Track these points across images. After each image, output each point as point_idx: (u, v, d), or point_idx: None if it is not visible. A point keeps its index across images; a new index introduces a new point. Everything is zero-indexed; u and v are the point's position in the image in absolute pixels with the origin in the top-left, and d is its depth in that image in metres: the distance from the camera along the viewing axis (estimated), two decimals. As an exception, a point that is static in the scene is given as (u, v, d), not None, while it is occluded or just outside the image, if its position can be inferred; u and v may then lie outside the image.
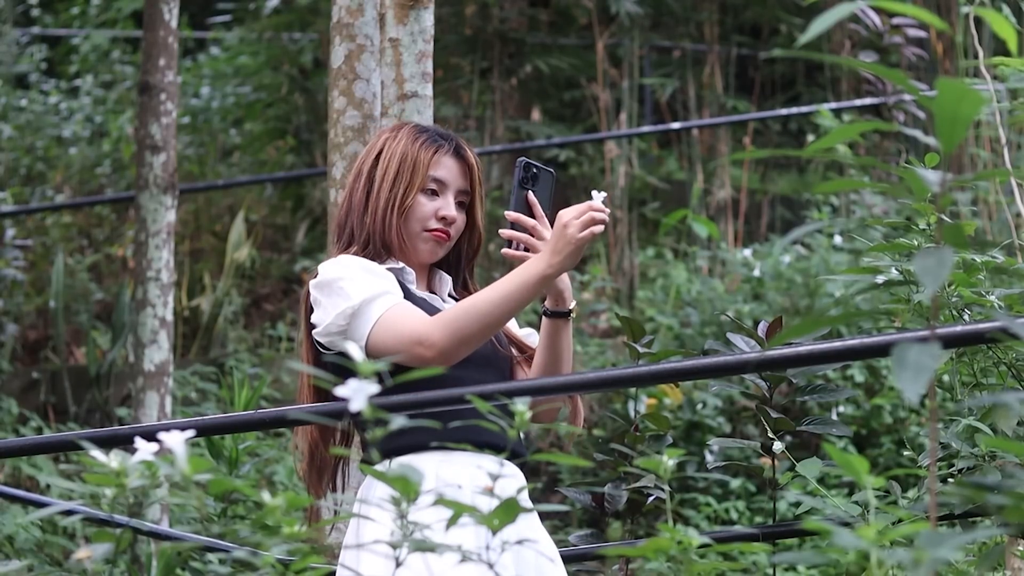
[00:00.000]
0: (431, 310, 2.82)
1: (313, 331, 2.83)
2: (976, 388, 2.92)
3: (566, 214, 2.73)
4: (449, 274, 3.01)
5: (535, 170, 2.88)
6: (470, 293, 2.97)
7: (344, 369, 2.63)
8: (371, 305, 2.76)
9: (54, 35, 11.46)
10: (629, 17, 8.70)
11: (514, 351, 2.97)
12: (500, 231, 2.86)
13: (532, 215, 2.87)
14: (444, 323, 2.72)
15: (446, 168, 2.92)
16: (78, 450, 2.74)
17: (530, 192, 2.87)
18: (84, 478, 1.99)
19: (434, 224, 2.90)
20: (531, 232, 2.85)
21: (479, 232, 2.99)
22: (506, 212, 2.86)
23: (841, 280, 3.12)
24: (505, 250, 2.87)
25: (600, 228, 2.73)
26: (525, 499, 2.77)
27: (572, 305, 2.90)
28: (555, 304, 2.88)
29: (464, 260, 3.02)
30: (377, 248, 2.90)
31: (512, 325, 2.99)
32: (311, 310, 2.85)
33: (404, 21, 3.73)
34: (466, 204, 2.96)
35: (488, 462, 2.63)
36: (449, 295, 2.99)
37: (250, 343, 7.89)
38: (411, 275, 2.91)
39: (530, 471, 3.04)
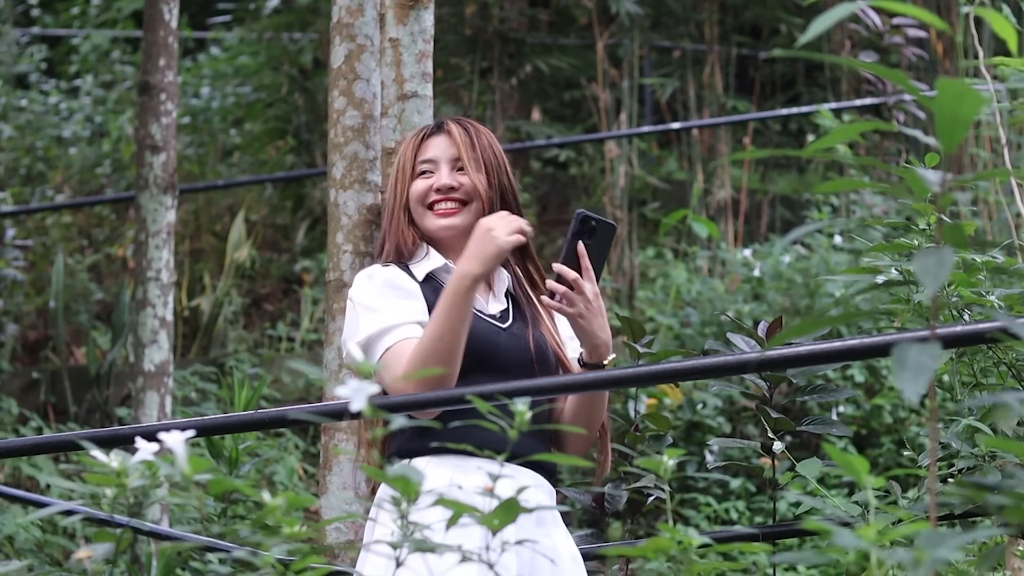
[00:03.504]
0: (478, 332, 2.82)
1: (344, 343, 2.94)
2: (976, 388, 2.92)
3: (488, 221, 2.78)
4: (506, 269, 2.99)
5: (593, 223, 2.84)
6: (534, 282, 2.98)
7: None
8: (378, 342, 2.80)
9: (54, 35, 11.46)
10: (629, 17, 8.70)
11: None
12: (547, 282, 2.84)
13: (579, 266, 2.84)
14: (411, 370, 2.73)
15: (432, 148, 2.97)
16: (78, 450, 2.74)
17: (580, 243, 2.83)
18: (84, 478, 1.99)
19: (432, 196, 2.93)
20: (571, 285, 2.82)
21: (512, 190, 2.99)
22: (554, 263, 2.84)
23: (841, 280, 3.13)
24: (544, 298, 2.86)
25: (522, 237, 2.79)
26: (555, 512, 2.80)
27: (609, 358, 2.88)
28: (589, 356, 2.88)
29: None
30: (400, 251, 2.94)
31: (567, 344, 2.99)
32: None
33: (404, 21, 3.73)
34: (464, 170, 2.95)
35: (517, 473, 2.69)
36: (507, 292, 2.98)
37: (250, 343, 7.89)
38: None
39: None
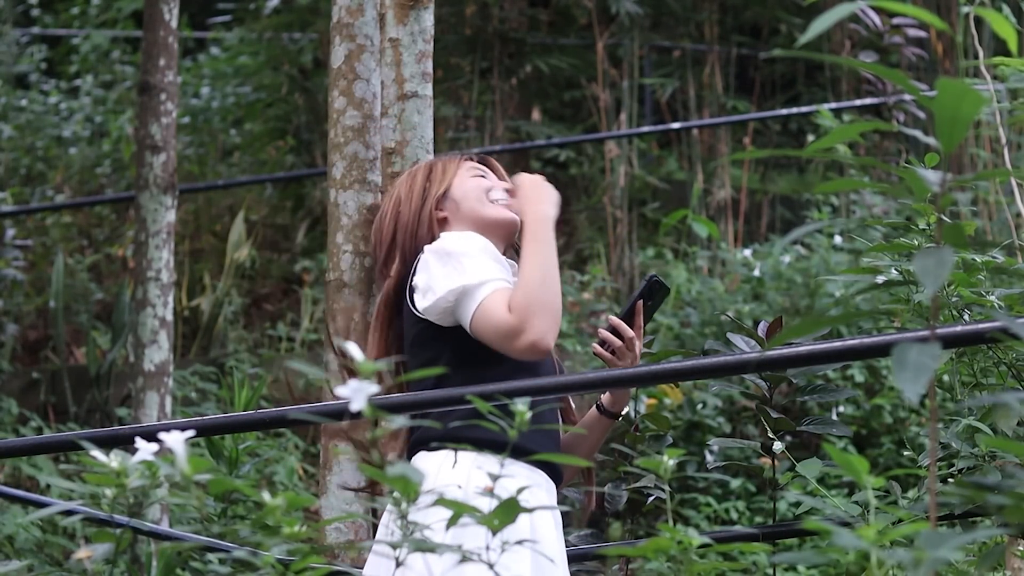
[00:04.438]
0: None
1: (414, 295, 2.87)
2: (976, 388, 2.92)
3: (529, 177, 2.93)
4: None
5: (659, 287, 2.96)
6: None
7: (434, 334, 2.80)
8: (480, 288, 2.79)
9: (54, 35, 11.46)
10: (629, 17, 8.70)
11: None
12: (599, 330, 2.96)
13: (633, 324, 2.96)
14: (527, 307, 2.74)
15: (480, 166, 3.07)
16: (78, 450, 2.74)
17: (641, 302, 2.95)
18: (84, 478, 1.99)
19: (497, 194, 3.00)
20: (624, 340, 2.93)
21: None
22: (610, 316, 2.98)
23: (841, 280, 3.13)
24: (595, 346, 2.96)
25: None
26: (557, 515, 2.84)
27: (624, 411, 3.08)
28: (611, 405, 3.02)
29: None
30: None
31: None
32: (407, 271, 2.93)
33: (404, 21, 3.73)
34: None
35: (536, 476, 2.72)
36: None
37: (250, 343, 7.89)
38: (514, 268, 2.97)
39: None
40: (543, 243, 2.81)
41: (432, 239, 2.94)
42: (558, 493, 2.94)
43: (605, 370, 2.84)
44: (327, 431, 3.70)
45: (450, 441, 2.74)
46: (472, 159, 3.08)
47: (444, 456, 2.77)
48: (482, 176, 3.03)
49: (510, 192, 2.99)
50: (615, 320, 2.93)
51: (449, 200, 3.00)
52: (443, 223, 3.00)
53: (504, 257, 2.92)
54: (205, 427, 3.06)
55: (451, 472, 2.72)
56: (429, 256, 2.86)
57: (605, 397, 3.01)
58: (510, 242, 3.01)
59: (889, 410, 6.57)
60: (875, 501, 1.90)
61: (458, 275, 2.80)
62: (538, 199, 2.88)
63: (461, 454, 2.74)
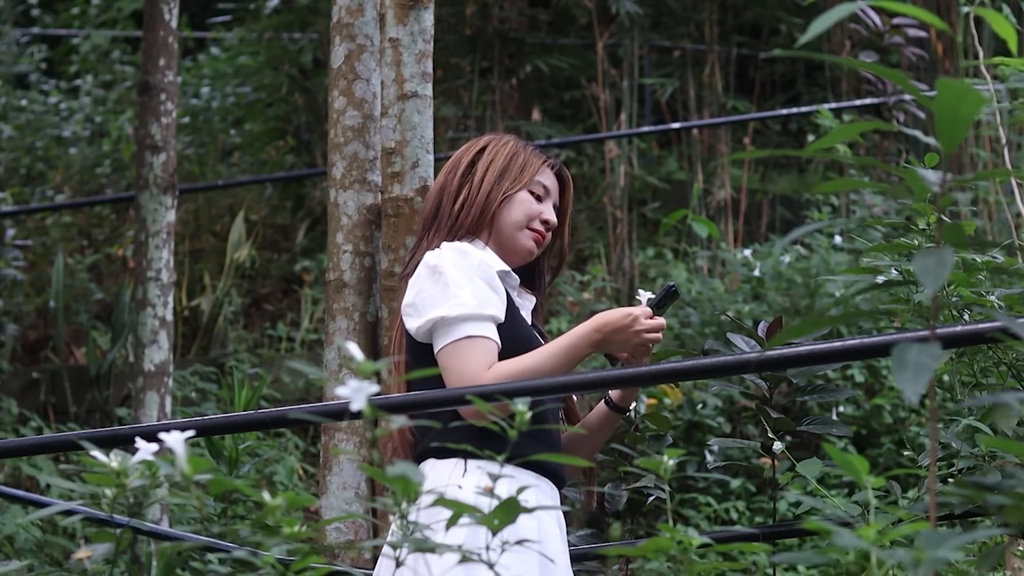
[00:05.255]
0: (530, 344, 2.89)
1: (403, 310, 2.90)
2: (976, 388, 2.92)
3: (639, 315, 2.87)
4: (532, 294, 3.08)
5: (675, 295, 2.97)
6: (537, 311, 3.08)
7: (427, 349, 2.82)
8: (460, 326, 2.80)
9: (54, 35, 11.46)
10: (629, 17, 8.70)
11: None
12: None
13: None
14: (499, 379, 2.78)
15: (551, 179, 3.05)
16: (78, 450, 2.74)
17: (655, 310, 2.96)
18: (84, 478, 1.99)
19: (538, 225, 3.00)
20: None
21: (565, 249, 3.12)
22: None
23: (841, 280, 3.13)
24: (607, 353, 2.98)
25: (656, 340, 2.90)
26: (561, 520, 2.85)
27: (632, 406, 3.11)
28: (621, 400, 3.05)
29: (549, 275, 3.13)
30: (467, 230, 2.96)
31: None
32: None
33: (404, 21, 3.73)
34: (559, 220, 3.08)
35: (534, 480, 2.72)
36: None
37: (250, 343, 7.89)
38: (516, 280, 2.98)
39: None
40: (564, 354, 2.83)
41: (484, 224, 2.96)
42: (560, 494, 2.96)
43: (605, 370, 2.84)
44: (327, 429, 3.70)
45: (458, 451, 2.75)
46: (552, 165, 3.07)
47: (453, 465, 2.77)
48: (539, 197, 3.02)
49: (548, 225, 3.01)
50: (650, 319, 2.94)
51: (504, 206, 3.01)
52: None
53: (498, 282, 2.91)
54: (205, 427, 3.06)
55: (461, 482, 2.73)
56: (422, 270, 2.88)
57: (614, 392, 3.03)
58: (521, 262, 3.03)
59: (889, 410, 6.57)
60: (875, 501, 1.90)
61: (442, 301, 2.81)
62: (611, 337, 2.87)
63: (472, 463, 2.75)
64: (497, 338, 2.82)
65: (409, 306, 2.87)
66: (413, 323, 2.85)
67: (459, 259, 2.86)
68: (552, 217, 3.02)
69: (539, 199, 3.01)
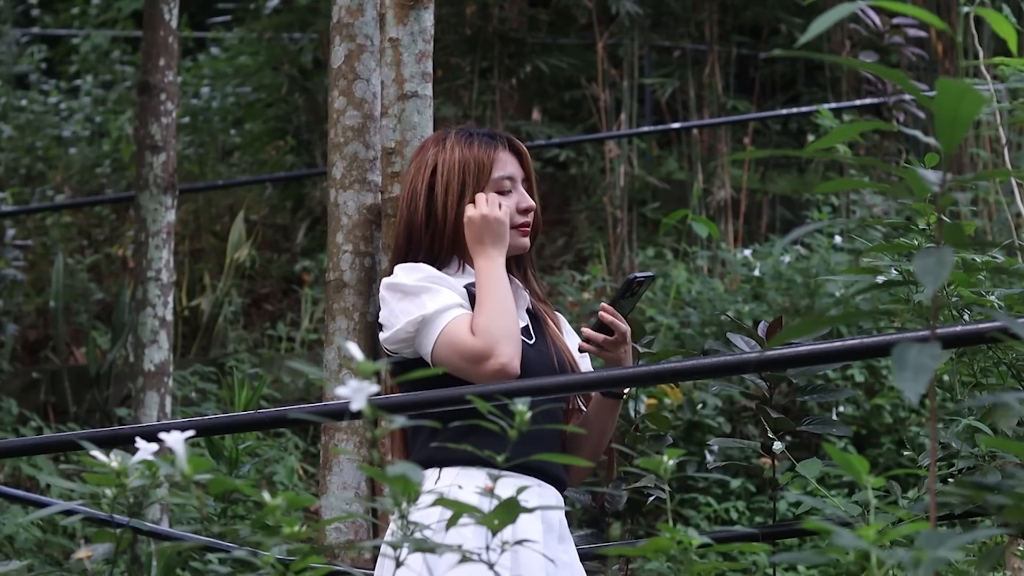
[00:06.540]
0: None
1: (380, 333, 2.86)
2: (976, 388, 2.92)
3: (483, 212, 2.86)
4: (520, 280, 3.02)
5: (639, 281, 2.92)
6: (530, 285, 3.02)
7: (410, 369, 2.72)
8: (440, 317, 2.79)
9: (54, 35, 11.46)
10: (629, 17, 8.70)
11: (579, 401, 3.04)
12: (583, 328, 2.93)
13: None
14: (492, 333, 2.75)
15: (509, 163, 2.96)
16: (78, 450, 2.74)
17: (622, 303, 2.92)
18: (84, 478, 1.99)
19: (518, 218, 2.95)
20: (616, 334, 2.90)
21: (538, 214, 3.03)
22: (600, 313, 2.92)
23: (841, 280, 3.13)
24: (582, 343, 2.92)
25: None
26: (565, 526, 2.84)
27: (626, 389, 3.06)
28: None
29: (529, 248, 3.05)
30: (445, 253, 2.92)
31: (579, 362, 3.03)
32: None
33: (404, 21, 3.73)
34: (531, 193, 3.00)
35: (535, 487, 2.71)
36: (528, 310, 3.00)
37: (250, 343, 7.89)
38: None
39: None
40: (495, 281, 2.81)
41: (462, 242, 2.92)
42: (563, 496, 2.94)
43: (605, 370, 2.84)
44: (327, 429, 3.70)
45: (457, 460, 2.74)
46: (504, 148, 2.97)
47: (455, 475, 2.76)
48: (507, 190, 2.94)
49: (527, 210, 2.96)
50: (608, 318, 2.89)
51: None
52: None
53: (455, 282, 2.88)
54: (205, 427, 3.06)
55: (460, 492, 2.71)
56: (384, 293, 2.86)
57: None
58: (519, 254, 3.00)
59: (889, 410, 6.57)
60: (875, 501, 1.90)
61: (416, 307, 2.80)
62: (480, 240, 2.85)
63: (471, 472, 2.74)
64: (468, 307, 2.82)
65: (385, 328, 2.84)
66: (386, 332, 2.82)
67: (411, 272, 2.86)
68: (527, 200, 2.95)
69: (507, 191, 2.94)
